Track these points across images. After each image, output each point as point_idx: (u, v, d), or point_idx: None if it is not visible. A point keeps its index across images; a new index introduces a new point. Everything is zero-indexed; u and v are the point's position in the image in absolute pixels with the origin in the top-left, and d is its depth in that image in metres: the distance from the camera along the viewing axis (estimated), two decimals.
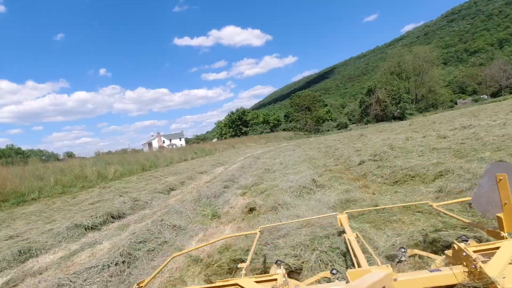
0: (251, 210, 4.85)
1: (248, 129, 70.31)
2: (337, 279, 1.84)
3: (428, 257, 1.97)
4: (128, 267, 3.12)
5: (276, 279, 1.34)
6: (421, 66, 63.48)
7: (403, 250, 1.92)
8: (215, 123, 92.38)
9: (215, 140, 74.29)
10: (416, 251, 2.05)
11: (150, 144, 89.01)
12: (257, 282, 1.33)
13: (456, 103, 75.15)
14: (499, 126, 9.70)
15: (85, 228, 4.95)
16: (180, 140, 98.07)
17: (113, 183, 10.33)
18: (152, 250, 3.54)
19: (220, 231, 4.19)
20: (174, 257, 2.01)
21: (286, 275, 1.42)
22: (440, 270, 1.25)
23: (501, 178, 1.47)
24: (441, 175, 4.76)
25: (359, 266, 1.63)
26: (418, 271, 1.34)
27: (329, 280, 1.97)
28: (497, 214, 1.52)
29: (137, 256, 3.35)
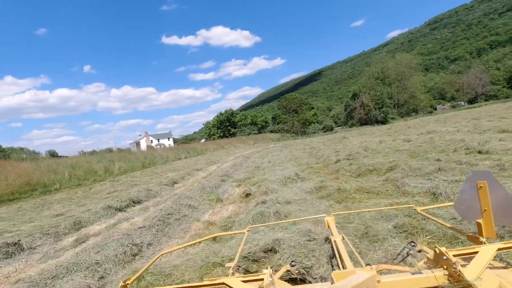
0: (247, 195, 6.27)
1: (236, 130, 71.42)
2: (297, 270, 1.97)
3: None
4: (165, 228, 4.47)
5: (262, 279, 1.37)
6: (403, 72, 66.54)
7: (412, 244, 1.97)
8: (203, 124, 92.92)
9: (203, 140, 75.02)
10: (424, 247, 2.07)
11: (138, 144, 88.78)
12: (244, 281, 1.36)
13: (435, 109, 78.97)
14: (452, 132, 11.48)
15: (115, 209, 6.24)
16: (169, 140, 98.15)
17: (120, 178, 11.54)
18: (177, 219, 4.90)
19: (225, 209, 5.58)
20: (162, 254, 1.99)
21: (272, 275, 1.45)
22: (422, 273, 1.30)
23: (481, 185, 1.53)
24: (391, 169, 6.31)
25: (344, 267, 1.66)
26: (400, 273, 1.40)
27: (291, 273, 2.11)
28: (477, 220, 1.58)
29: (169, 222, 4.70)
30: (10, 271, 3.58)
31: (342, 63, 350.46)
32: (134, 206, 6.77)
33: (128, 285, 1.51)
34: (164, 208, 5.37)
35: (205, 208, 5.77)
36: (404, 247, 2.22)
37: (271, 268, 1.54)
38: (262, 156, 17.78)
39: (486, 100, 72.50)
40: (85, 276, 2.91)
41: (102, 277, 3.02)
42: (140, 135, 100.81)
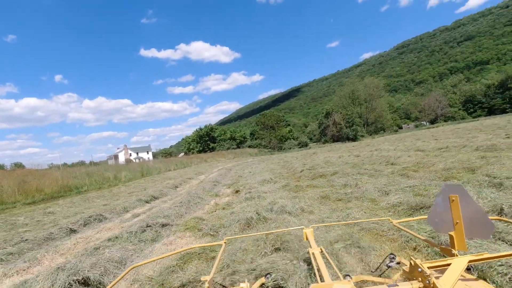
0: (237, 191, 9.17)
1: (215, 144, 73.68)
2: (272, 280, 2.07)
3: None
4: (189, 207, 7.26)
5: None
6: (371, 94, 72.91)
7: (392, 256, 2.06)
8: (183, 138, 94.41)
9: (181, 154, 76.49)
10: (403, 259, 2.12)
11: (116, 157, 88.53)
12: None
13: (401, 127, 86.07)
14: (389, 150, 15.07)
15: (144, 201, 8.91)
16: (148, 153, 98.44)
17: (129, 183, 14.04)
18: (194, 203, 7.68)
19: (224, 199, 8.41)
20: (132, 268, 1.95)
21: None
22: (398, 285, 1.32)
23: (453, 199, 1.57)
24: (333, 174, 9.47)
25: (322, 280, 1.65)
26: (377, 286, 1.42)
27: (266, 285, 2.17)
28: (449, 233, 1.62)
29: (189, 205, 7.48)
30: (106, 227, 6.23)
31: (318, 81, 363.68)
32: (155, 200, 9.44)
33: None
34: (181, 199, 8.15)
35: (209, 199, 8.60)
36: (384, 259, 2.27)
37: (248, 281, 1.57)
38: (243, 168, 20.67)
39: (445, 121, 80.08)
40: (145, 230, 5.64)
41: (164, 225, 5.77)
42: (118, 148, 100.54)
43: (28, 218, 7.60)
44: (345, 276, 1.88)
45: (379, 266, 2.49)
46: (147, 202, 9.05)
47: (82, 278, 3.01)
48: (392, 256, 2.07)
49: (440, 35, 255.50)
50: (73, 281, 2.93)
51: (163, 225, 5.37)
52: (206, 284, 1.59)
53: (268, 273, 2.24)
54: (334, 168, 11.28)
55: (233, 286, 1.62)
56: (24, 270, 3.92)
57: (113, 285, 1.64)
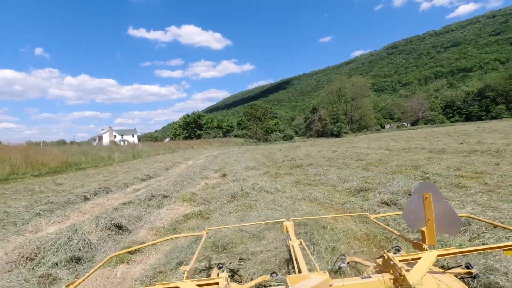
0: (224, 175, 10.45)
1: (202, 132, 74.21)
2: (276, 281, 2.10)
3: (363, 263, 2.15)
4: (182, 185, 8.49)
5: (218, 283, 1.38)
6: (358, 93, 75.09)
7: (343, 256, 2.14)
8: (169, 123, 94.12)
9: (167, 139, 76.56)
10: (355, 258, 2.22)
11: (100, 138, 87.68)
12: (198, 285, 1.37)
13: (383, 127, 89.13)
14: (362, 147, 16.69)
15: (141, 179, 10.06)
16: (133, 136, 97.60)
17: (123, 164, 15.07)
18: (187, 183, 8.91)
19: (212, 181, 9.66)
20: (111, 257, 1.95)
21: (228, 279, 1.47)
22: (371, 277, 1.41)
23: (426, 196, 1.66)
24: (309, 165, 10.89)
25: (299, 271, 1.69)
26: (351, 277, 1.48)
27: (269, 284, 2.17)
28: (421, 228, 1.71)
29: (183, 184, 8.70)
30: (113, 197, 7.38)
31: (308, 76, 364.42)
32: (150, 179, 10.61)
33: None
34: (175, 179, 9.37)
35: (199, 180, 9.85)
36: (336, 260, 2.27)
37: (227, 272, 1.63)
38: (229, 156, 21.93)
39: (425, 123, 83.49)
40: (151, 199, 6.84)
41: (165, 196, 6.99)
42: (102, 129, 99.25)
43: (42, 187, 8.64)
44: (340, 255, 2.07)
45: (333, 266, 2.57)
46: (143, 180, 10.21)
47: (116, 224, 4.23)
48: (343, 256, 2.15)
49: (429, 39, 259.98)
50: (110, 224, 4.15)
51: (164, 197, 6.61)
52: (186, 274, 1.63)
53: (274, 272, 2.22)
54: (311, 160, 12.71)
55: (211, 277, 1.64)
56: (59, 222, 5.10)
57: (94, 271, 1.68)
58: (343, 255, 2.19)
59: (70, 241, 3.39)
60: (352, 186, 6.05)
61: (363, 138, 36.35)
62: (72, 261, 3.11)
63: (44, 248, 3.26)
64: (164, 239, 2.35)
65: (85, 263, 3.21)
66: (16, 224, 4.95)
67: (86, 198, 7.01)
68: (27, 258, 3.08)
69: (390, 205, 4.31)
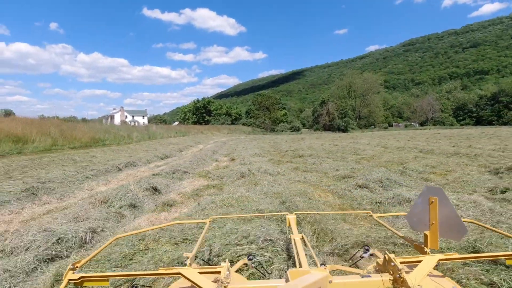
0: (232, 159, 11.78)
1: (211, 118, 75.49)
2: (254, 263, 2.20)
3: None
4: (197, 164, 9.84)
5: (220, 272, 1.40)
6: (368, 89, 75.10)
7: (366, 248, 2.17)
8: (177, 107, 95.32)
9: (176, 123, 78.16)
10: (377, 252, 2.21)
11: (112, 117, 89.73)
12: (200, 273, 1.39)
13: (391, 125, 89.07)
14: (362, 144, 17.81)
15: (160, 158, 11.46)
16: (143, 118, 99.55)
17: (141, 143, 16.56)
18: (201, 163, 10.26)
19: (223, 164, 11.00)
20: (116, 238, 2.00)
21: (229, 268, 1.49)
22: (370, 276, 1.42)
23: (432, 200, 1.66)
24: (309, 156, 12.12)
25: (300, 266, 1.72)
26: (351, 275, 1.53)
27: (248, 267, 2.32)
28: (424, 232, 1.72)
29: (198, 163, 10.05)
30: (140, 170, 8.77)
31: (320, 68, 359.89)
32: (167, 158, 12.01)
33: (77, 268, 1.44)
34: (189, 159, 10.72)
35: (211, 162, 11.19)
36: (358, 250, 2.28)
37: (229, 261, 1.62)
38: (236, 143, 23.26)
39: (434, 125, 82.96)
40: (174, 173, 8.19)
41: (185, 172, 8.33)
42: (114, 109, 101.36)
43: (81, 158, 10.13)
44: (320, 265, 1.95)
45: (353, 256, 2.61)
46: (162, 158, 11.62)
47: (153, 187, 5.59)
48: (366, 248, 2.19)
49: (448, 38, 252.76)
50: (149, 186, 5.51)
51: (184, 172, 7.96)
52: (188, 261, 1.66)
53: (250, 255, 2.34)
54: (312, 152, 13.93)
55: (215, 265, 1.62)
56: (105, 184, 6.49)
57: (99, 251, 1.74)
58: (367, 246, 2.24)
59: (126, 194, 4.74)
60: (340, 174, 7.29)
61: (367, 135, 37.19)
62: (130, 206, 4.46)
63: (110, 197, 4.63)
64: (169, 223, 2.47)
65: (138, 209, 4.58)
66: (74, 183, 6.39)
67: (119, 169, 8.42)
68: (101, 201, 4.45)
69: (362, 187, 5.56)
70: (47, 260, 2.74)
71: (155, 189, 5.56)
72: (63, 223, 3.43)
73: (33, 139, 12.03)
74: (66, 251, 2.95)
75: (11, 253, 2.77)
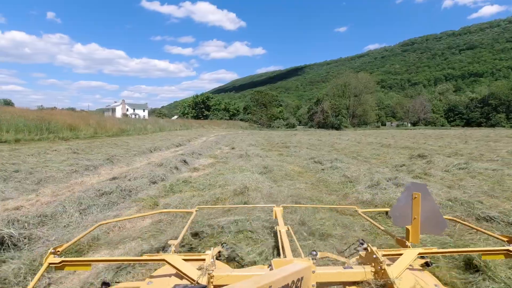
0: (233, 148, 14.87)
1: (209, 113, 78.02)
2: (226, 250, 2.35)
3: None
4: (206, 149, 12.91)
5: (204, 259, 1.43)
6: (362, 89, 77.98)
7: (361, 241, 2.25)
8: (175, 101, 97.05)
9: (175, 117, 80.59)
10: (371, 246, 2.11)
11: (113, 110, 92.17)
12: (185, 260, 1.41)
13: (385, 124, 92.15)
14: (345, 140, 20.97)
15: (175, 145, 14.54)
16: (144, 111, 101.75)
17: (155, 134, 19.64)
18: (208, 150, 13.32)
19: (225, 151, 14.05)
20: (100, 224, 2.02)
21: (214, 256, 1.53)
22: (352, 268, 1.48)
23: (415, 196, 1.72)
24: (294, 147, 15.21)
25: (285, 256, 1.77)
26: (334, 266, 1.57)
27: (225, 255, 2.43)
28: (406, 226, 1.78)
29: (206, 150, 13.10)
30: (165, 153, 11.82)
31: (319, 65, 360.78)
32: (180, 146, 15.06)
33: (58, 252, 1.43)
34: (198, 147, 13.79)
35: (216, 149, 14.23)
36: (353, 244, 2.40)
37: (214, 249, 1.69)
38: (235, 137, 26.30)
39: (425, 125, 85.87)
40: (192, 153, 11.22)
41: (199, 154, 11.38)
42: (115, 102, 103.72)
43: (119, 143, 13.20)
44: (311, 251, 2.00)
45: (347, 248, 2.79)
46: (176, 146, 14.69)
47: (183, 160, 8.67)
48: (361, 241, 2.26)
49: (446, 39, 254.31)
50: (181, 159, 8.59)
51: (199, 154, 11.08)
52: (172, 248, 1.71)
53: (224, 243, 2.44)
54: (298, 144, 17.04)
55: (199, 252, 1.72)
56: (148, 158, 9.59)
57: (81, 238, 1.78)
58: (362, 240, 2.31)
59: (170, 162, 7.81)
60: (309, 157, 10.40)
61: (358, 133, 40.03)
62: (174, 168, 7.54)
63: (164, 161, 7.74)
64: (152, 212, 2.55)
65: (179, 170, 7.66)
66: (130, 157, 9.48)
67: (151, 151, 11.51)
68: (161, 164, 7.54)
69: (317, 163, 8.67)
70: (153, 183, 5.84)
71: (185, 161, 8.64)
72: (149, 171, 6.54)
73: (81, 128, 14.97)
74: (157, 182, 6.06)
75: (135, 179, 5.83)
